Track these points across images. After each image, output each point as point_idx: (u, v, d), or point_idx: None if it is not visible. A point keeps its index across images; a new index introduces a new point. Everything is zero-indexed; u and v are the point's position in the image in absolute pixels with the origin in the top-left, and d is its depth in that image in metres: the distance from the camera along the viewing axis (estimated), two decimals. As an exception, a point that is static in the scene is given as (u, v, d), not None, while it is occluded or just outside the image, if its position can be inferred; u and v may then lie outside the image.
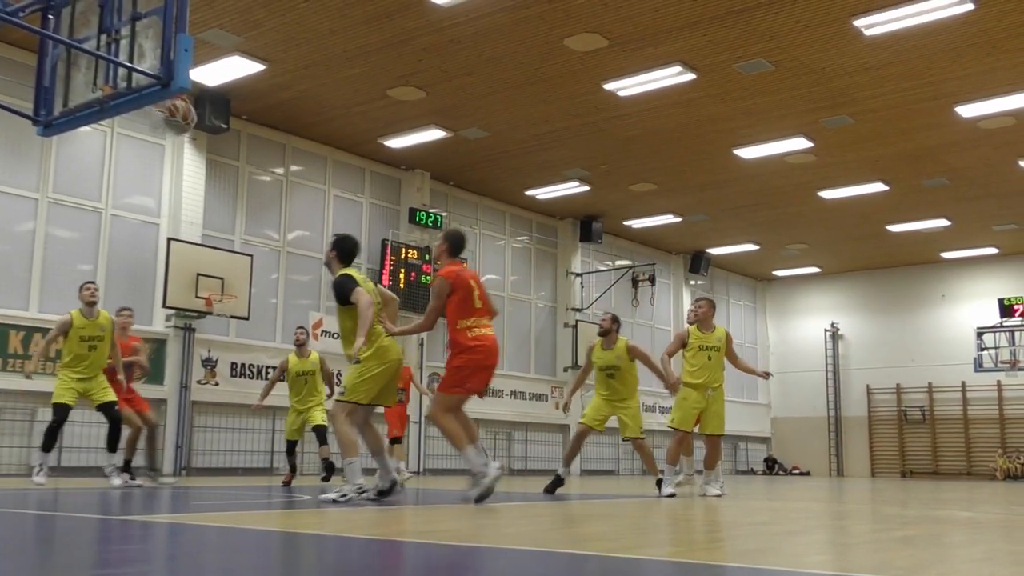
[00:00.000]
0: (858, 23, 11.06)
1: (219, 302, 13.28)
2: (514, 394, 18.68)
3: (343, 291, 6.79)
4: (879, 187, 17.39)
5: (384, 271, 16.13)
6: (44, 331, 11.89)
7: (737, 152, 15.67)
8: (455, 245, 7.25)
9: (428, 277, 16.22)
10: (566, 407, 10.14)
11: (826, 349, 25.53)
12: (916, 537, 5.02)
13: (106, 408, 8.88)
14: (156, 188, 13.65)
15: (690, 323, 10.73)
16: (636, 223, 20.52)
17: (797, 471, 24.99)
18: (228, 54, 12.15)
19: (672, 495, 8.93)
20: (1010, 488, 15.36)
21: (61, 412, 8.65)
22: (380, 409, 8.69)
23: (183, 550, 4.06)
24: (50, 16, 5.57)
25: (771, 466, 25.37)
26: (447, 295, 7.01)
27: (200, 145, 13.85)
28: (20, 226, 12.26)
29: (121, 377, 9.20)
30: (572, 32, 11.46)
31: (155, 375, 12.73)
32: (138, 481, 9.18)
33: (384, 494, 7.10)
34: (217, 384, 13.82)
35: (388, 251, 16.16)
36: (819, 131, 14.70)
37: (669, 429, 9.85)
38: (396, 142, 15.53)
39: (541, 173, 17.25)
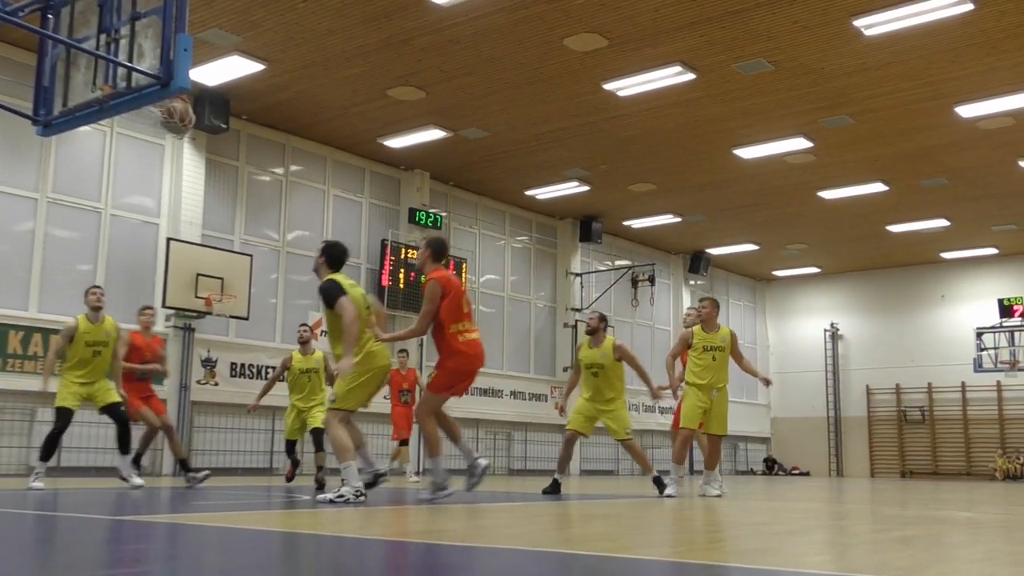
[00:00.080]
0: (857, 23, 11.06)
1: (219, 302, 13.28)
2: (514, 394, 18.68)
3: (329, 297, 6.90)
4: (879, 187, 17.40)
5: (384, 271, 16.13)
6: (43, 331, 11.91)
7: (737, 152, 15.67)
8: (437, 251, 7.31)
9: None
10: (562, 410, 10.14)
11: (826, 349, 25.53)
12: (916, 537, 5.02)
13: (111, 410, 8.82)
14: (156, 188, 13.65)
15: (687, 326, 10.80)
16: (636, 223, 20.52)
17: (797, 471, 24.99)
18: (227, 54, 12.14)
19: (672, 495, 8.92)
20: (1010, 488, 15.36)
21: (64, 417, 8.56)
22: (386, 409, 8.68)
23: (183, 550, 4.06)
24: (49, 16, 5.58)
25: (771, 466, 25.37)
26: (440, 298, 7.07)
27: (199, 145, 13.85)
28: (19, 226, 12.26)
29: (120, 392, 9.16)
30: (571, 32, 11.46)
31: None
32: (139, 481, 9.12)
33: (368, 486, 7.17)
34: (217, 384, 13.82)
35: (388, 251, 16.16)
36: (818, 131, 14.70)
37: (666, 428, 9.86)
38: (396, 142, 15.53)
39: (541, 173, 17.25)
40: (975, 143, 15.02)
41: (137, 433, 9.45)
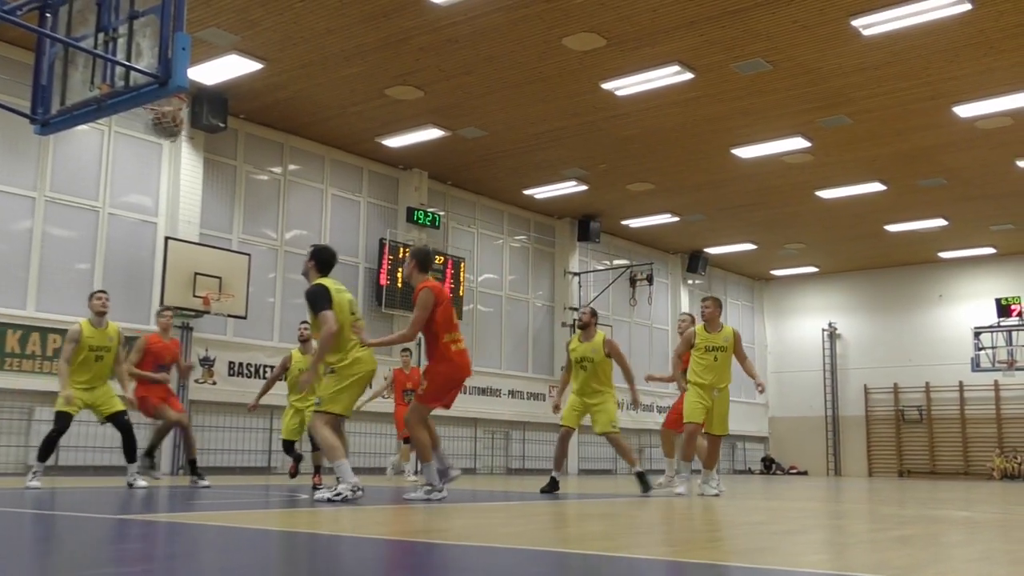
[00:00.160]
0: (856, 23, 11.07)
1: (217, 301, 13.27)
2: (512, 393, 18.69)
3: (315, 303, 6.96)
4: (876, 187, 17.41)
5: (382, 270, 16.13)
6: (41, 330, 11.90)
7: (735, 152, 15.68)
8: (423, 261, 7.51)
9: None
10: (557, 408, 10.15)
11: (823, 349, 25.55)
12: (913, 537, 5.02)
13: (115, 419, 8.79)
14: (154, 187, 13.64)
15: (680, 332, 10.88)
16: (634, 222, 20.52)
17: (794, 471, 25.01)
18: (226, 53, 12.14)
19: (682, 494, 8.89)
20: (1007, 488, 15.37)
21: (63, 421, 8.52)
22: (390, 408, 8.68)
23: (181, 549, 4.05)
24: (48, 14, 5.57)
25: (768, 466, 25.39)
26: (432, 307, 7.25)
27: (197, 144, 13.84)
28: (17, 225, 12.24)
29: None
30: (570, 32, 11.46)
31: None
32: (143, 483, 9.06)
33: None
34: (215, 383, 13.81)
35: (386, 250, 16.16)
36: (816, 131, 14.71)
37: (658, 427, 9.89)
38: (394, 141, 15.52)
39: (539, 172, 17.25)
40: (973, 143, 15.04)
41: (141, 435, 9.44)
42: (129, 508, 6.35)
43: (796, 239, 22.12)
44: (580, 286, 20.38)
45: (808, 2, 10.67)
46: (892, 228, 20.40)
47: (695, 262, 23.15)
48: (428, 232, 17.09)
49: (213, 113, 13.42)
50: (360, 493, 6.86)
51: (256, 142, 15.05)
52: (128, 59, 5.06)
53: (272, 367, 13.22)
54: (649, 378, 11.14)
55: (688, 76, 12.57)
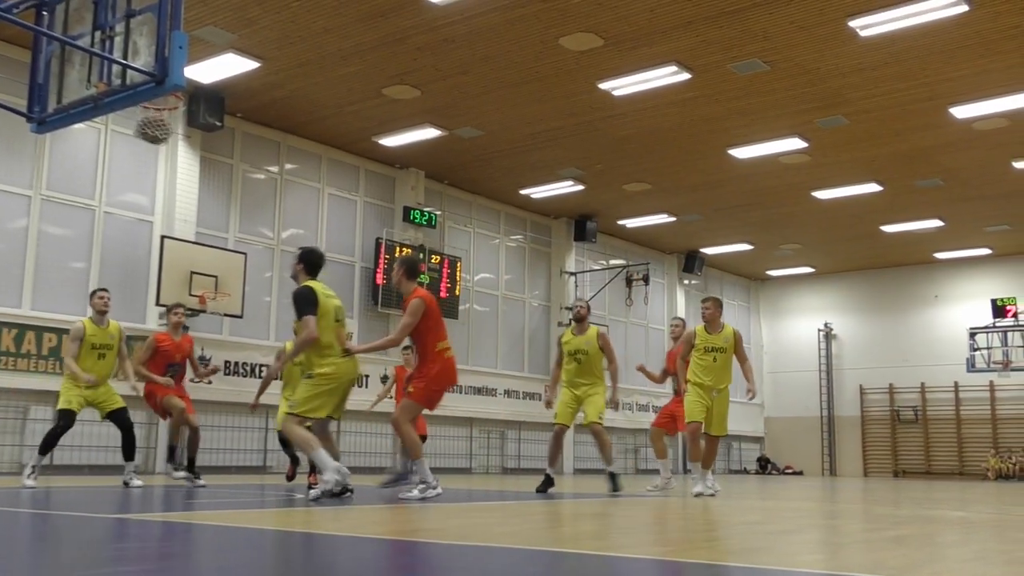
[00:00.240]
0: (853, 24, 11.08)
1: (213, 300, 13.26)
2: (507, 393, 18.69)
3: (300, 306, 6.98)
4: (873, 187, 17.43)
5: (378, 269, 16.13)
6: (37, 329, 11.88)
7: (731, 152, 15.69)
8: (411, 269, 7.69)
9: (423, 276, 16.23)
10: (548, 404, 10.15)
11: (819, 349, 25.58)
12: (909, 537, 5.03)
13: (116, 416, 8.78)
14: (150, 186, 13.62)
15: (673, 338, 10.92)
16: (630, 222, 20.53)
17: (790, 471, 25.05)
18: (223, 51, 12.12)
19: (705, 493, 8.88)
20: (1002, 488, 15.41)
21: (67, 419, 8.50)
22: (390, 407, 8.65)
23: (176, 549, 4.05)
24: (44, 12, 5.56)
25: (764, 466, 25.42)
26: (422, 316, 7.40)
27: (194, 143, 13.83)
28: (13, 223, 12.22)
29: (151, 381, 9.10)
30: (567, 31, 11.46)
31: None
32: (138, 482, 9.02)
33: (334, 495, 7.22)
34: (210, 382, 13.76)
35: (382, 249, 16.16)
36: (813, 131, 14.73)
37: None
38: (391, 140, 15.52)
39: (535, 172, 17.25)
40: (969, 144, 15.06)
41: (140, 434, 9.40)
42: (125, 508, 6.35)
43: (792, 239, 22.14)
44: (576, 286, 20.38)
45: (806, 3, 10.69)
46: (888, 229, 20.43)
47: (691, 262, 23.17)
48: (424, 231, 17.08)
49: (210, 112, 13.40)
50: (346, 475, 6.90)
51: (253, 141, 15.04)
52: (125, 57, 5.06)
53: (268, 366, 13.19)
54: (640, 369, 11.13)
55: (685, 76, 12.58)
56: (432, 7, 10.90)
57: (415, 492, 7.31)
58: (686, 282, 23.66)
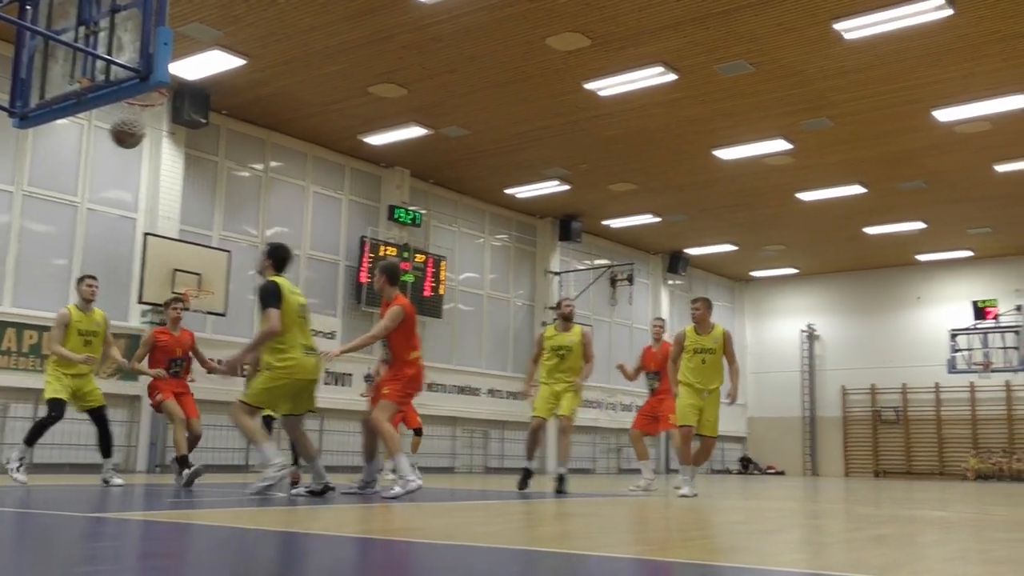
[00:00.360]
0: (838, 26, 11.13)
1: (196, 298, 13.19)
2: (491, 392, 18.69)
3: (264, 299, 7.02)
4: (857, 189, 17.53)
5: (362, 268, 16.10)
6: (18, 326, 11.79)
7: (717, 153, 15.75)
8: (392, 276, 7.93)
9: (408, 275, 16.21)
10: (526, 394, 10.17)
11: (802, 350, 25.71)
12: (889, 536, 5.07)
13: (95, 412, 8.72)
14: (133, 182, 13.54)
15: (654, 338, 10.98)
16: (615, 223, 20.57)
17: (772, 471, 25.16)
18: (208, 48, 12.07)
19: (689, 495, 8.86)
20: (981, 488, 15.53)
21: (59, 408, 8.40)
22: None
23: (155, 548, 4.04)
24: (28, 6, 5.52)
25: (746, 465, 25.52)
26: (400, 323, 7.63)
27: (179, 139, 13.76)
28: (-6, 219, 12.13)
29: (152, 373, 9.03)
30: (554, 31, 11.47)
31: (129, 371, 12.61)
32: (118, 480, 8.93)
33: (315, 494, 7.30)
34: (193, 380, 13.65)
35: (367, 248, 16.13)
36: (798, 133, 14.80)
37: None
38: (376, 139, 15.49)
39: (521, 172, 17.26)
40: (953, 147, 15.17)
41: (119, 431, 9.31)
42: (104, 506, 6.32)
43: (776, 241, 22.24)
44: (561, 286, 20.41)
45: (791, 5, 10.73)
46: (871, 231, 20.55)
47: (676, 263, 23.24)
48: (409, 230, 17.06)
49: (194, 109, 13.34)
50: (287, 470, 7.01)
51: (238, 138, 14.98)
52: (109, 53, 5.03)
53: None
54: (620, 367, 11.27)
55: (672, 77, 12.61)
56: (419, 6, 10.89)
57: (397, 489, 7.33)
58: (670, 282, 23.73)
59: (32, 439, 8.42)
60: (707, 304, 9.31)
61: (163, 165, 13.57)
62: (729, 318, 26.30)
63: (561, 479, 9.33)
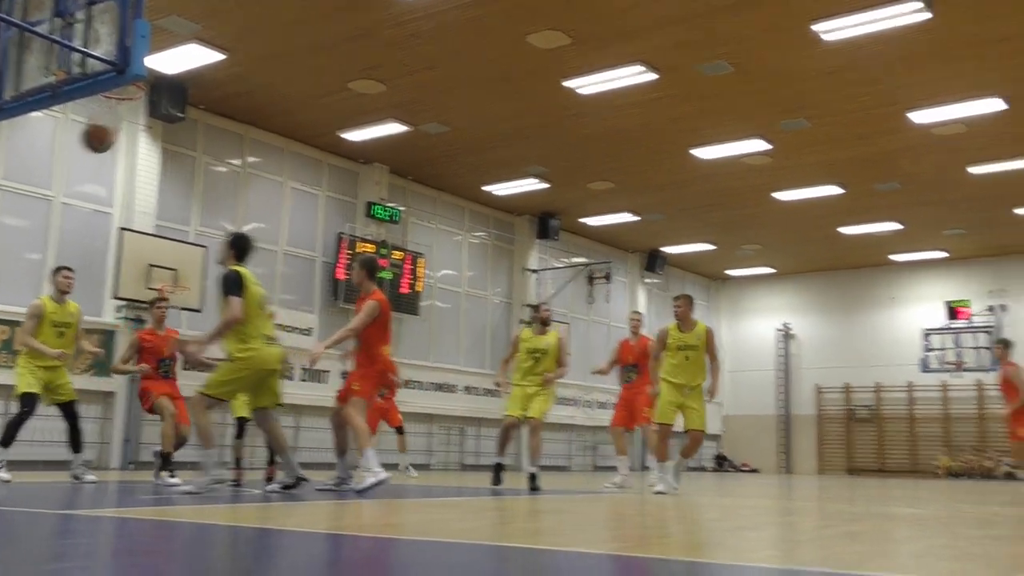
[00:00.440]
0: (816, 28, 11.21)
1: (171, 294, 13.09)
2: (468, 389, 18.69)
3: (226, 287, 6.98)
4: (834, 190, 17.66)
5: (339, 265, 16.04)
6: (-10, 320, 11.66)
7: (695, 152, 15.81)
8: (371, 269, 8.08)
9: (385, 272, 16.17)
10: (499, 384, 10.18)
11: (778, 349, 25.90)
12: (862, 532, 5.12)
13: (66, 407, 8.64)
14: (109, 176, 13.42)
15: (632, 332, 11.01)
16: (593, 221, 20.62)
17: (746, 468, 25.32)
18: (186, 42, 11.98)
19: (664, 491, 8.90)
20: (953, 485, 15.71)
21: (31, 403, 8.31)
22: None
23: (127, 545, 4.02)
24: (2, -2, 5.47)
25: (721, 463, 25.68)
26: (375, 319, 7.75)
27: (155, 134, 13.65)
28: (-33, 212, 11.98)
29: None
30: (535, 29, 11.47)
31: (103, 367, 12.53)
32: (91, 476, 8.85)
33: (289, 488, 7.35)
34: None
35: (344, 245, 16.08)
36: (777, 134, 14.88)
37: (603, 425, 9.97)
38: (355, 135, 15.43)
39: (500, 169, 17.26)
40: (928, 149, 15.31)
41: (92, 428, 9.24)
42: (77, 503, 6.27)
43: (753, 240, 22.37)
44: (539, 283, 20.43)
45: (771, 6, 10.78)
46: (847, 231, 20.71)
47: (653, 261, 23.32)
48: (387, 227, 17.03)
49: (172, 103, 13.23)
50: (217, 487, 6.98)
51: (216, 133, 14.88)
52: (85, 46, 4.99)
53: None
54: (595, 371, 11.44)
55: (652, 76, 12.64)
56: (399, 2, 10.86)
57: (369, 481, 7.37)
58: (647, 281, 23.82)
59: (8, 440, 8.31)
60: (689, 301, 9.35)
61: (139, 159, 13.46)
62: (705, 317, 26.36)
63: (533, 477, 9.35)
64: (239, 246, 7.28)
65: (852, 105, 13.64)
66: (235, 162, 15.20)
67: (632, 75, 12.65)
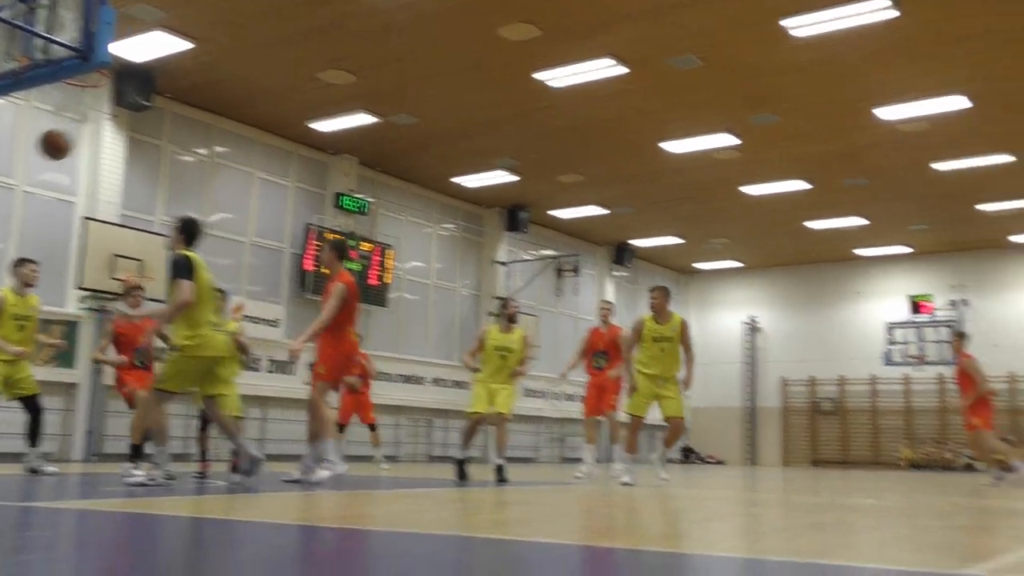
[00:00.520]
0: (785, 23, 11.28)
1: (148, 280, 12.93)
2: (436, 381, 18.67)
3: (178, 270, 6.88)
4: (801, 185, 17.81)
5: (307, 256, 15.95)
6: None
7: (665, 146, 15.87)
8: (342, 251, 8.18)
9: (354, 263, 16.09)
10: (468, 365, 10.13)
11: (744, 342, 26.13)
12: (826, 523, 5.19)
13: (28, 401, 8.51)
14: (72, 165, 13.21)
15: (602, 320, 11.03)
16: (562, 213, 20.65)
17: (712, 460, 25.54)
18: (152, 29, 11.82)
19: (628, 483, 8.92)
20: (914, 477, 15.95)
21: None
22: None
23: (87, 537, 3.98)
24: (-37, -18, 5.37)
25: (687, 455, 25.87)
26: (345, 301, 7.76)
27: (121, 123, 13.46)
28: (-74, 200, 11.76)
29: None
30: (506, 21, 11.45)
31: (66, 358, 12.37)
32: (51, 468, 8.72)
33: (247, 473, 7.32)
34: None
35: (312, 236, 15.98)
36: (746, 128, 14.98)
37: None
38: (324, 126, 15.33)
39: (470, 161, 17.23)
40: (894, 145, 15.48)
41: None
42: (34, 495, 6.20)
43: (721, 234, 22.52)
44: (507, 276, 20.44)
45: (740, 1, 10.84)
46: (813, 225, 20.90)
47: (621, 254, 23.41)
48: (356, 218, 16.94)
49: (138, 91, 13.06)
50: (172, 482, 6.93)
51: (183, 122, 14.71)
52: (49, 32, 4.92)
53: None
54: (563, 375, 11.65)
55: (622, 70, 12.67)
56: (368, -8, 10.79)
57: (322, 474, 7.40)
58: (616, 274, 23.91)
59: None
60: (665, 293, 9.34)
61: (104, 148, 13.28)
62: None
63: (500, 469, 9.36)
64: (188, 230, 7.16)
65: (820, 101, 13.76)
66: (202, 152, 15.04)
67: (602, 68, 12.67)
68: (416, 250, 18.84)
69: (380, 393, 16.80)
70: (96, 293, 12.78)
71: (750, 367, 26.00)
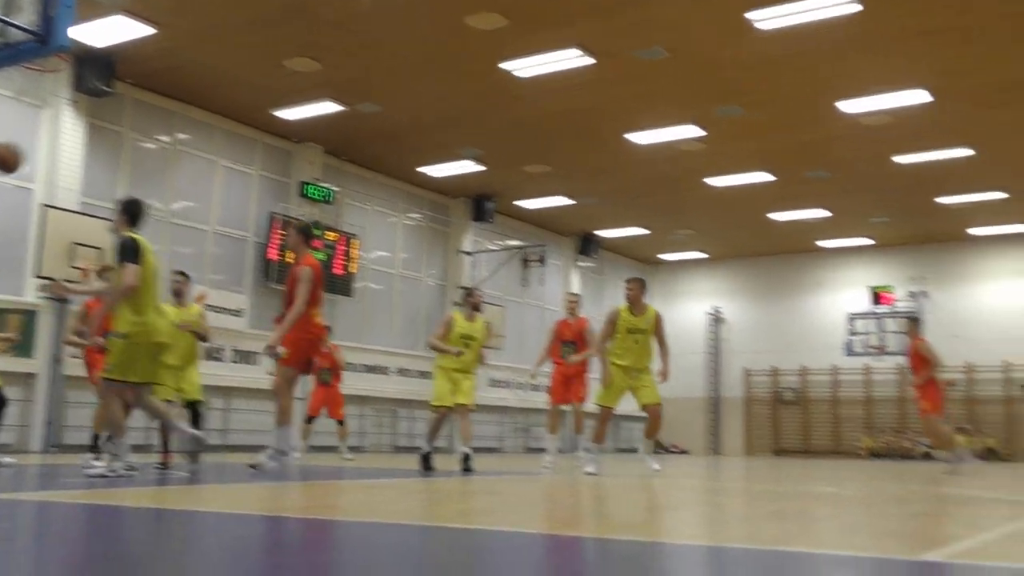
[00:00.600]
0: (750, 16, 11.36)
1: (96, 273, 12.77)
2: (401, 371, 18.63)
3: (123, 254, 6.74)
4: (765, 176, 17.96)
5: (271, 245, 15.82)
6: (-96, 298, 11.23)
7: (630, 137, 15.93)
8: (307, 234, 8.14)
9: (319, 253, 15.97)
10: (433, 346, 10.10)
11: (708, 332, 26.34)
12: (787, 511, 5.26)
13: None
14: (31, 151, 12.97)
15: (569, 313, 11.05)
16: (528, 204, 20.66)
17: (676, 450, 25.74)
18: (112, 13, 11.63)
19: (592, 473, 8.94)
20: (874, 465, 16.19)
21: None
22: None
23: (47, 529, 3.93)
24: (-83, -37, 5.24)
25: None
26: (311, 283, 7.74)
27: (81, 108, 13.25)
28: None
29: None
30: (472, 10, 11.42)
31: (25, 348, 12.19)
32: (8, 459, 8.59)
33: (191, 455, 7.53)
34: (94, 357, 13.30)
35: (276, 225, 15.85)
36: (711, 120, 15.06)
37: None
38: (289, 114, 15.19)
39: (436, 151, 17.17)
40: (856, 138, 15.65)
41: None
42: None
43: (686, 225, 22.66)
44: (473, 266, 20.42)
45: (704, -7, 10.90)
46: (777, 217, 21.10)
47: (587, 245, 23.48)
48: (320, 207, 16.83)
49: (98, 77, 12.85)
50: (134, 473, 6.75)
51: (145, 109, 14.51)
52: (6, 14, 4.82)
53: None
54: (533, 375, 11.75)
55: (588, 60, 12.68)
56: (333, -22, 10.70)
57: (272, 463, 7.44)
58: (581, 264, 23.98)
59: None
60: (641, 285, 9.37)
61: (63, 134, 13.06)
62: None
63: (467, 458, 9.36)
64: (131, 211, 6.99)
65: (784, 93, 13.88)
66: (164, 139, 14.85)
67: (569, 59, 12.68)
68: (381, 239, 18.76)
69: (345, 383, 16.74)
70: (54, 282, 12.56)
71: (714, 357, 26.22)
